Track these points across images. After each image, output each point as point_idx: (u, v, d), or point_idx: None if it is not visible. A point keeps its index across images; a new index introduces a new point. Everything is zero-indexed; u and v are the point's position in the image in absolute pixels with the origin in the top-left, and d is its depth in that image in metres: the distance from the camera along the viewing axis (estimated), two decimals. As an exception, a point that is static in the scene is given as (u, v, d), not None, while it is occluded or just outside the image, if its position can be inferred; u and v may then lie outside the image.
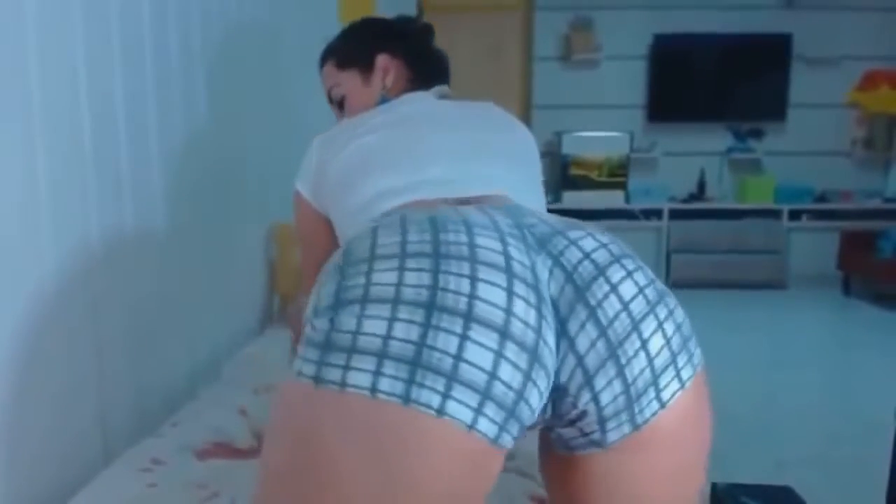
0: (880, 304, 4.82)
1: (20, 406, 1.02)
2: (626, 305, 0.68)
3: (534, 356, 0.63)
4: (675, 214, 5.52)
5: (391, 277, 0.62)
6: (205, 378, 1.61)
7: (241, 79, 1.84)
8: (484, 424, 0.60)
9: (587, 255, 0.70)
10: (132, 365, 1.32)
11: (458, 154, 0.93)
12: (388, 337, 0.59)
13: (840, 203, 5.48)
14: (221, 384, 1.57)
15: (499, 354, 0.60)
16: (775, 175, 5.61)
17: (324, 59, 1.25)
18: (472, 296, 0.61)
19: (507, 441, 0.63)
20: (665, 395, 0.68)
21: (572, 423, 0.70)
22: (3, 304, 0.98)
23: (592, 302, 0.67)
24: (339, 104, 1.22)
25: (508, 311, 0.62)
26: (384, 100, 1.15)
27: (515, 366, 0.61)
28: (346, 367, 0.59)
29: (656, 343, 0.68)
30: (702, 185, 5.71)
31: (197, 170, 1.58)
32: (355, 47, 1.21)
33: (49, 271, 1.07)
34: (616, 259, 0.71)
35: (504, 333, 0.61)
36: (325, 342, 0.61)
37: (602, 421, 0.68)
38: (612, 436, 0.69)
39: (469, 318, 0.60)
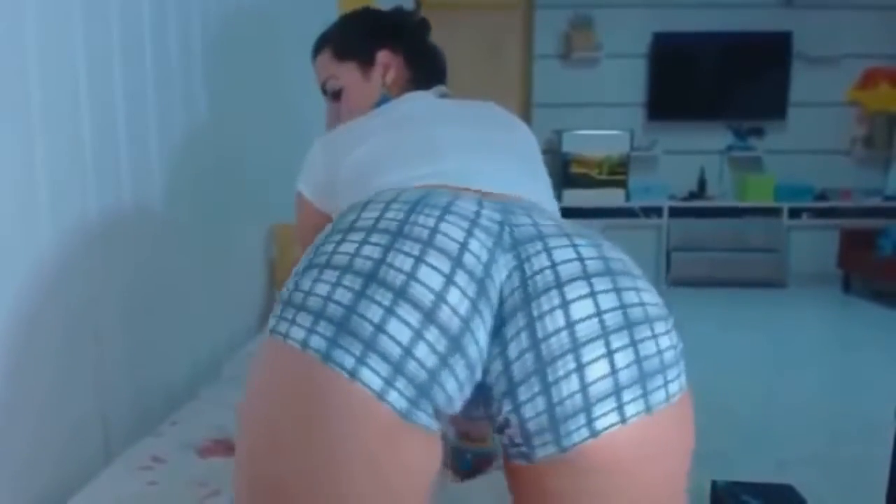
0: (880, 303, 4.82)
1: (18, 407, 1.02)
2: (571, 325, 0.66)
3: (455, 344, 0.64)
4: (676, 212, 5.52)
5: (352, 248, 0.66)
6: (205, 377, 1.61)
7: (241, 78, 1.84)
8: (393, 396, 0.62)
9: (553, 265, 0.68)
10: (132, 364, 1.32)
11: (472, 151, 0.92)
12: (328, 299, 0.64)
13: (840, 201, 5.48)
14: (222, 383, 1.57)
15: (418, 334, 0.62)
16: (775, 173, 5.61)
17: (319, 47, 1.22)
18: (411, 275, 0.64)
19: (423, 420, 0.64)
20: (598, 424, 0.65)
21: (501, 430, 0.70)
22: (4, 294, 0.98)
23: (535, 313, 0.66)
24: (334, 96, 1.19)
25: (440, 297, 0.64)
26: (385, 98, 1.14)
27: (432, 348, 0.63)
28: (292, 322, 0.64)
29: (597, 370, 0.65)
30: (702, 184, 5.71)
31: (197, 169, 1.58)
32: (355, 39, 1.18)
33: (47, 270, 1.07)
34: (585, 276, 0.68)
35: (429, 316, 0.63)
36: (286, 300, 0.67)
37: (526, 435, 0.67)
38: (538, 452, 0.68)
39: (400, 294, 0.63)
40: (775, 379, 3.41)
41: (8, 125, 0.97)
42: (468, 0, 5.58)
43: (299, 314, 0.64)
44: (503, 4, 5.65)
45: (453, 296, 0.64)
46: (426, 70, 1.19)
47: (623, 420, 0.65)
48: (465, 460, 1.21)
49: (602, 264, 0.70)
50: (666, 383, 0.68)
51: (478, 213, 0.71)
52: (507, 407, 0.67)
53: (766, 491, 1.68)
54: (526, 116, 5.63)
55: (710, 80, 5.62)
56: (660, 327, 0.69)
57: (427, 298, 0.63)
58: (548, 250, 0.70)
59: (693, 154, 5.73)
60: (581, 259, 0.69)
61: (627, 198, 5.56)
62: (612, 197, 5.52)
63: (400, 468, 0.64)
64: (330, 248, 0.68)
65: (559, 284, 0.67)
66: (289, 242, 2.10)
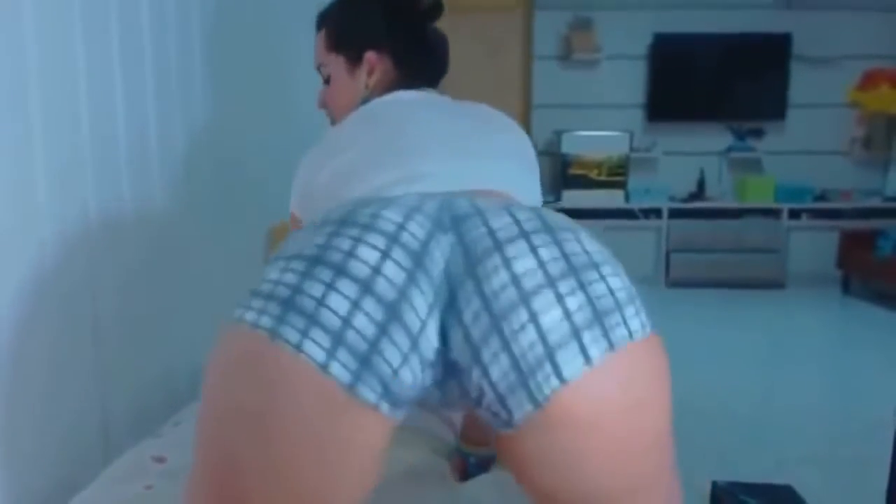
0: (880, 304, 4.82)
1: (19, 408, 1.02)
2: (516, 278, 0.67)
3: (392, 312, 0.66)
4: (675, 214, 5.52)
5: (303, 240, 0.71)
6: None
7: (240, 77, 1.84)
8: (336, 368, 0.64)
9: (491, 232, 0.71)
10: (133, 365, 1.32)
11: (452, 150, 0.91)
12: (277, 282, 0.67)
13: (839, 202, 5.47)
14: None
15: (355, 304, 0.65)
16: (775, 174, 5.60)
17: (318, 24, 1.21)
18: (349, 253, 0.67)
19: (367, 394, 0.64)
20: (565, 370, 0.66)
21: (478, 403, 0.70)
22: (3, 295, 0.98)
23: (481, 275, 0.68)
24: (325, 81, 1.20)
25: (376, 270, 0.67)
26: (365, 101, 1.11)
27: (370, 317, 0.65)
28: (247, 307, 0.68)
29: (550, 316, 0.66)
30: (701, 185, 5.71)
31: (196, 169, 1.58)
32: (348, 31, 1.16)
33: (47, 270, 1.07)
34: (523, 234, 0.70)
35: (366, 287, 0.66)
36: (251, 290, 0.71)
37: (500, 399, 0.68)
38: (517, 415, 0.68)
39: (339, 271, 0.66)
40: (775, 379, 3.41)
41: (8, 125, 0.98)
42: (468, 2, 5.59)
43: (253, 299, 0.68)
44: (503, 6, 5.65)
45: (389, 268, 0.67)
46: (416, 70, 1.15)
47: (588, 360, 0.66)
48: (469, 464, 1.22)
49: (539, 223, 0.72)
50: (625, 320, 0.69)
51: (420, 202, 0.74)
52: (476, 373, 0.68)
53: (765, 491, 1.68)
54: (525, 118, 5.63)
55: (709, 82, 5.62)
56: (607, 269, 0.71)
57: (363, 272, 0.66)
58: (485, 221, 0.72)
59: (692, 155, 5.73)
60: (517, 221, 0.72)
61: (627, 199, 5.55)
62: (611, 198, 5.52)
63: (341, 443, 0.65)
64: (288, 242, 0.73)
65: (498, 246, 0.69)
66: (288, 243, 2.10)
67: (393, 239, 0.69)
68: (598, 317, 0.67)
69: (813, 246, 5.49)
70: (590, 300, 0.68)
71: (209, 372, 0.71)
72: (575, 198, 5.43)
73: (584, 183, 5.51)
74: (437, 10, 1.16)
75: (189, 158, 1.54)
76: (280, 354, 0.64)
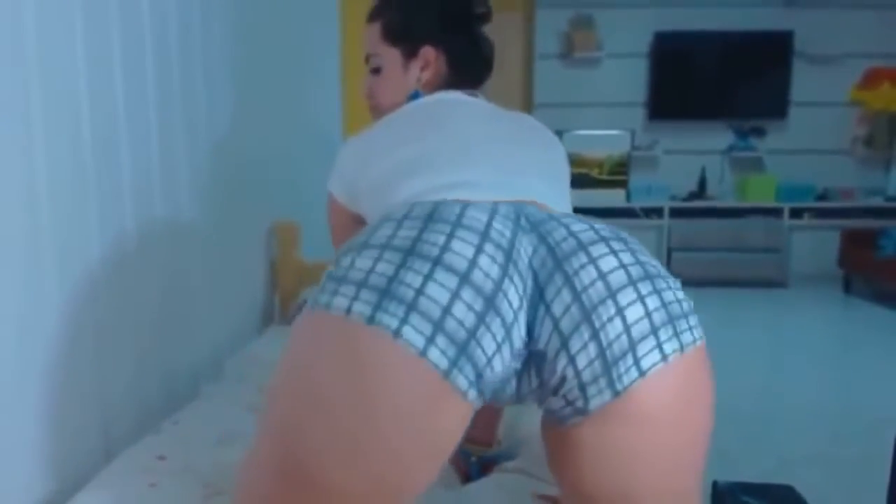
0: (881, 303, 4.82)
1: (18, 406, 1.02)
2: (603, 275, 0.73)
3: (489, 303, 0.69)
4: (676, 213, 5.52)
5: (389, 232, 0.73)
6: (207, 376, 1.61)
7: (241, 76, 1.84)
8: (435, 354, 0.66)
9: (573, 234, 0.76)
10: (133, 363, 1.32)
11: (499, 164, 0.93)
12: (370, 271, 0.69)
13: (841, 201, 5.47)
14: (224, 382, 1.57)
15: (455, 294, 0.68)
16: (776, 173, 5.61)
17: (372, 16, 1.20)
18: (445, 247, 0.70)
19: (461, 383, 0.67)
20: (644, 363, 0.71)
21: (556, 391, 0.74)
22: (5, 296, 0.98)
23: (569, 271, 0.73)
24: (374, 71, 1.19)
25: (472, 262, 0.70)
26: (416, 94, 1.14)
27: (469, 307, 0.68)
28: (335, 293, 0.69)
29: (634, 312, 0.72)
30: (703, 184, 5.71)
31: (198, 169, 1.58)
32: (407, 24, 1.17)
33: (47, 267, 1.07)
34: (602, 239, 0.76)
35: (464, 278, 0.69)
36: (327, 276, 0.73)
37: (582, 386, 0.72)
38: (593, 403, 0.72)
39: (436, 262, 0.69)
40: (776, 379, 3.41)
41: (8, 126, 0.97)
42: (469, 0, 5.57)
43: (342, 286, 0.69)
44: (504, 5, 5.65)
45: (483, 261, 0.70)
46: (466, 71, 1.18)
47: (664, 357, 0.71)
48: (470, 463, 1.22)
49: (612, 231, 0.79)
50: (690, 327, 0.75)
51: (496, 205, 0.78)
52: (562, 362, 0.72)
53: (766, 491, 1.68)
54: (527, 116, 5.62)
55: (711, 80, 5.62)
56: (672, 282, 0.78)
57: (461, 264, 0.69)
58: (564, 225, 0.77)
59: (694, 154, 5.73)
60: (595, 230, 0.78)
61: (628, 198, 5.56)
62: (612, 197, 5.52)
63: (434, 429, 0.68)
64: (364, 236, 0.74)
65: (582, 246, 0.75)
66: (290, 241, 2.10)
67: (484, 235, 0.72)
68: (671, 319, 0.73)
69: (814, 245, 5.50)
70: (664, 303, 0.74)
71: (291, 354, 0.72)
72: (576, 197, 5.32)
73: (586, 182, 5.51)
74: (488, 16, 1.20)
75: (191, 163, 1.54)
76: (377, 338, 0.65)
